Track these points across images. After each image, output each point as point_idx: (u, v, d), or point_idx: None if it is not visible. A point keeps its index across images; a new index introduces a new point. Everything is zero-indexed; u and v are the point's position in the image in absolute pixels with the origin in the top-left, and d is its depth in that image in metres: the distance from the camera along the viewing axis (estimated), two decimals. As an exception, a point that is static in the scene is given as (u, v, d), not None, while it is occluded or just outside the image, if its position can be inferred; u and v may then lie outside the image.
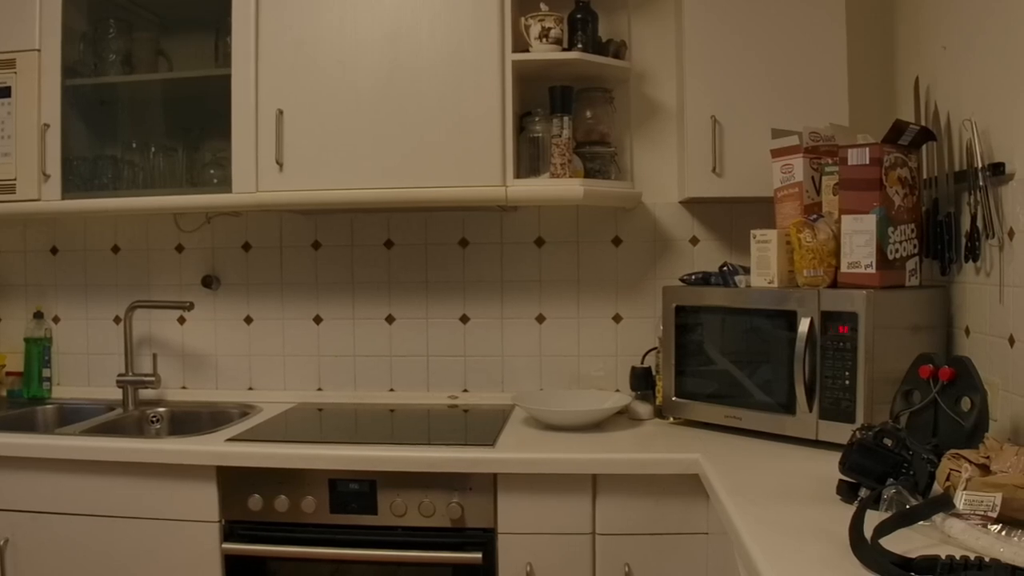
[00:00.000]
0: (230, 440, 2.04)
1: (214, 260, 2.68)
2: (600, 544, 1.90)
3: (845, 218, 1.83)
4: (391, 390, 2.60)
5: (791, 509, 1.41)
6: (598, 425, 2.15)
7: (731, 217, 2.45)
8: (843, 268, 1.83)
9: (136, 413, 2.51)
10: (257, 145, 2.22)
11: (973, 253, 1.75)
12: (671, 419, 2.18)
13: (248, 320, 2.67)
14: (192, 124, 2.52)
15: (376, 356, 2.61)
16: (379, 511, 1.93)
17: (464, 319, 2.57)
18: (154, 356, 2.61)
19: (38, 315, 2.71)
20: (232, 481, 1.98)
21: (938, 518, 1.21)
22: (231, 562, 1.98)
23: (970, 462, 1.33)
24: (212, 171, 2.43)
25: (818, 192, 1.98)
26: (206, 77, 2.38)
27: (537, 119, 2.30)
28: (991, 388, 1.60)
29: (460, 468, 1.89)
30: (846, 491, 1.43)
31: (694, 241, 2.50)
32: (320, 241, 2.63)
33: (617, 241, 2.52)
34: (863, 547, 1.14)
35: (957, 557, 1.07)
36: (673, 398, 2.14)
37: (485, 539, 1.90)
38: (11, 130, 2.34)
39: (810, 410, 1.83)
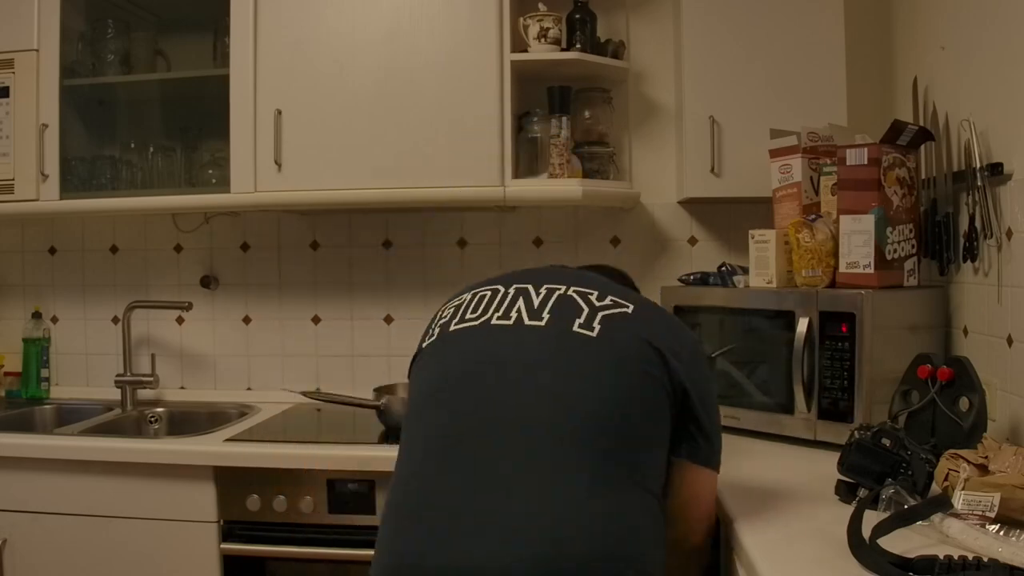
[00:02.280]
0: (228, 440, 2.04)
1: (212, 260, 2.68)
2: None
3: (843, 218, 1.83)
4: (390, 390, 2.60)
5: (789, 509, 1.41)
6: (597, 425, 2.15)
7: (729, 217, 2.45)
8: (841, 268, 1.83)
9: (134, 413, 2.51)
10: (255, 145, 2.22)
11: (971, 253, 1.75)
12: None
13: (246, 320, 2.67)
14: (190, 124, 2.52)
15: (374, 356, 2.61)
16: (377, 511, 1.92)
17: (463, 319, 2.57)
18: (152, 356, 2.61)
19: (36, 315, 2.71)
20: (230, 481, 1.97)
21: (936, 518, 1.21)
22: (229, 562, 1.98)
23: (968, 462, 1.33)
24: (210, 171, 2.43)
25: (816, 192, 1.98)
26: (204, 77, 2.38)
27: (536, 119, 2.29)
28: (989, 388, 1.60)
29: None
30: (844, 491, 1.43)
31: (692, 241, 2.50)
32: (318, 241, 2.63)
33: (616, 241, 2.52)
34: (861, 547, 1.14)
35: (955, 557, 1.07)
36: (672, 398, 2.13)
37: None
38: (9, 130, 2.34)
39: (808, 410, 1.83)
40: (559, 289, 1.33)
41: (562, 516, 1.11)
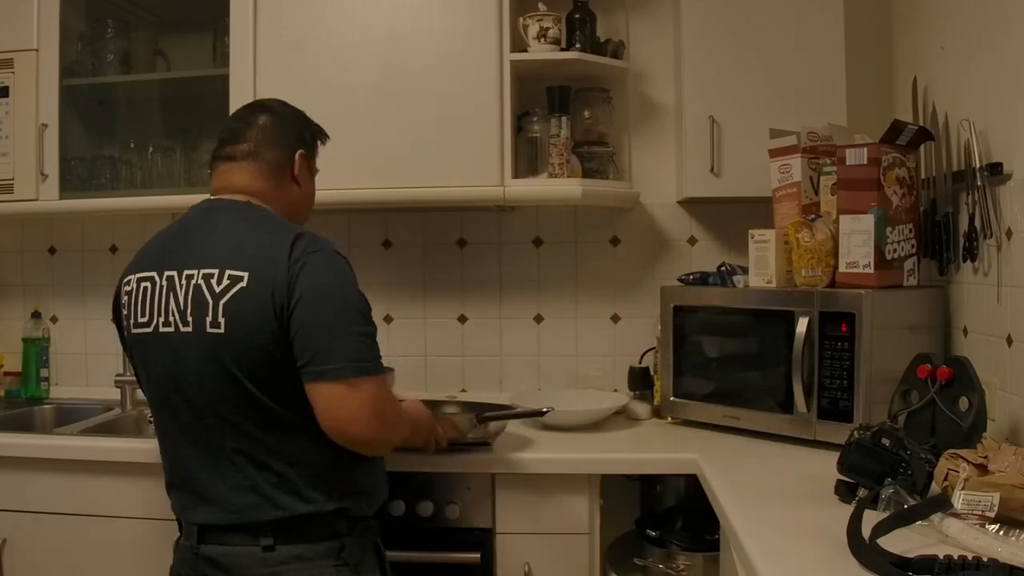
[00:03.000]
0: (228, 440, 2.04)
1: (212, 260, 2.67)
2: (599, 544, 1.90)
3: (843, 218, 1.83)
4: (389, 390, 2.60)
5: (789, 509, 1.41)
6: (596, 425, 2.15)
7: (729, 217, 2.45)
8: (841, 268, 1.83)
9: (134, 413, 2.50)
10: (255, 145, 2.22)
11: (971, 253, 1.75)
12: (669, 419, 2.18)
13: (246, 320, 2.66)
14: (190, 124, 2.51)
15: (374, 356, 2.60)
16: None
17: (462, 319, 2.57)
18: (152, 356, 2.60)
19: (36, 315, 2.70)
20: (230, 481, 1.97)
21: (936, 518, 1.21)
22: (229, 562, 1.98)
23: (968, 462, 1.33)
24: (210, 171, 2.42)
25: (816, 192, 1.98)
26: (204, 77, 2.38)
27: (535, 119, 2.29)
28: (989, 388, 1.61)
29: (458, 468, 1.89)
30: (844, 491, 1.43)
31: (692, 241, 2.50)
32: (318, 241, 2.63)
33: (615, 241, 2.52)
34: (861, 547, 1.14)
35: (955, 557, 1.07)
36: (671, 398, 2.14)
37: (483, 539, 1.90)
38: (9, 130, 2.34)
39: (808, 410, 1.83)
40: (193, 276, 1.42)
41: (231, 495, 1.42)
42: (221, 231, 1.47)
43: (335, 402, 1.36)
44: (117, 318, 1.58)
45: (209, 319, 1.39)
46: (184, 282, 1.42)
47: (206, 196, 1.54)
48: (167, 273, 1.45)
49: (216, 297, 1.39)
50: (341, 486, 1.45)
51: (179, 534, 1.51)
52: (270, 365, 1.38)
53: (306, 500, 1.41)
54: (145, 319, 1.46)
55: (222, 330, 1.38)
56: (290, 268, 1.39)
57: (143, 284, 1.48)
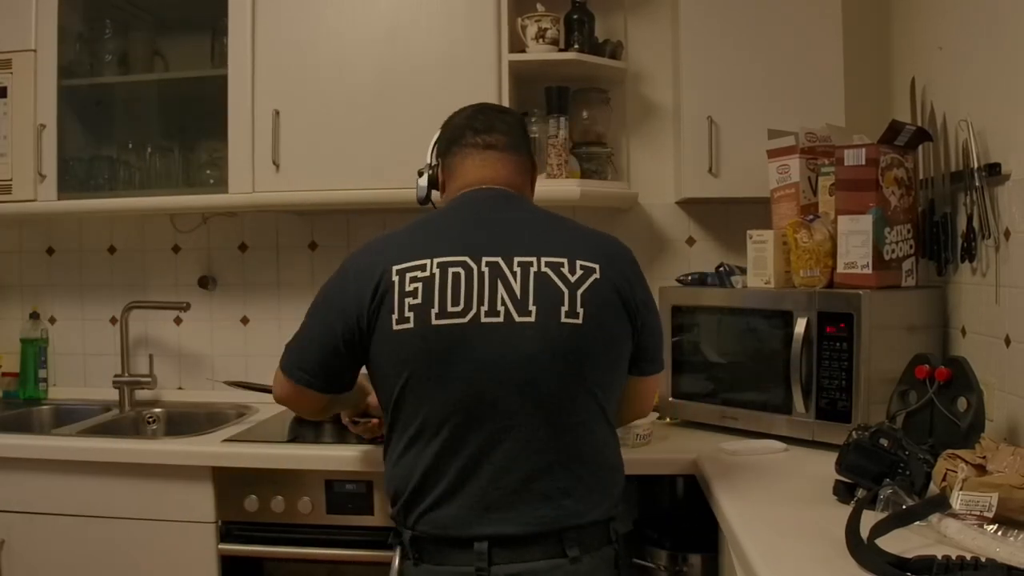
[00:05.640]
0: (226, 441, 2.04)
1: (210, 261, 2.68)
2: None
3: (841, 218, 1.83)
4: (388, 391, 2.60)
5: (787, 509, 1.41)
6: (595, 425, 2.15)
7: (727, 218, 2.45)
8: (839, 268, 1.83)
9: (132, 414, 2.51)
10: (253, 145, 2.22)
11: (969, 253, 1.75)
12: (668, 419, 2.18)
13: (244, 321, 2.66)
14: (188, 124, 2.51)
15: (373, 357, 2.60)
16: (375, 512, 1.92)
17: (461, 319, 2.56)
18: (150, 357, 2.60)
19: (34, 316, 2.70)
20: (228, 482, 1.97)
21: (934, 518, 1.21)
22: (227, 563, 1.98)
23: (966, 462, 1.33)
24: (208, 171, 2.42)
25: (814, 192, 1.98)
26: (202, 77, 2.38)
27: (533, 119, 2.29)
28: (987, 388, 1.61)
29: (457, 469, 1.88)
30: (843, 491, 1.43)
31: (690, 241, 2.50)
32: (316, 241, 2.63)
33: (614, 241, 2.52)
34: (860, 547, 1.14)
35: (953, 557, 1.07)
36: (670, 399, 2.14)
37: (482, 540, 1.89)
38: (7, 130, 2.33)
39: (806, 410, 1.83)
40: (532, 264, 1.35)
41: None
42: (540, 220, 1.44)
43: (650, 394, 1.56)
44: (369, 310, 1.36)
45: (565, 309, 1.32)
46: (518, 270, 1.33)
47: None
48: (488, 259, 1.34)
49: (572, 288, 1.33)
50: (615, 489, 1.43)
51: (403, 554, 1.40)
52: (611, 358, 1.39)
53: (593, 506, 1.36)
54: (458, 308, 1.31)
55: (579, 320, 1.33)
56: (631, 267, 1.43)
57: (452, 270, 1.33)
